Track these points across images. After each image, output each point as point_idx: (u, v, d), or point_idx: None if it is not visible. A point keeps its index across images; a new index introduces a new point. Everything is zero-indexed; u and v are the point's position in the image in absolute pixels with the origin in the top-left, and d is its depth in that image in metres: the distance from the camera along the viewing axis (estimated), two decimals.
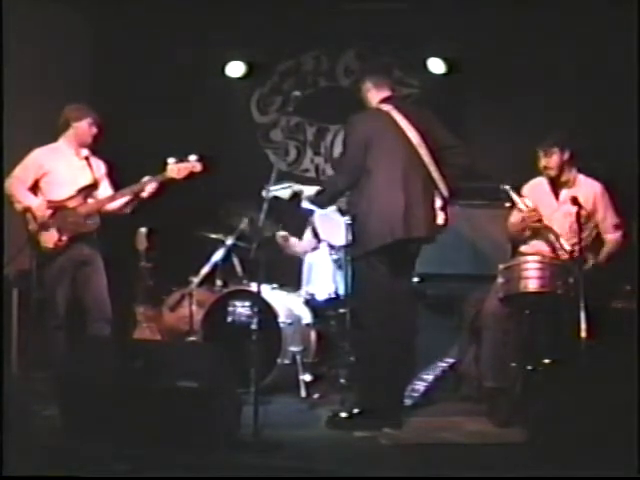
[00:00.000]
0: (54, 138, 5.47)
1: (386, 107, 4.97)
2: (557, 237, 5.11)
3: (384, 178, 4.83)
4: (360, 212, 4.92)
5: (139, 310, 6.32)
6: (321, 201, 5.20)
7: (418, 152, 4.86)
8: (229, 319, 5.87)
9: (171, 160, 5.30)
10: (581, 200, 4.98)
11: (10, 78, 5.65)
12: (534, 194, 5.32)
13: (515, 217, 5.38)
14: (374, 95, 5.08)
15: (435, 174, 4.89)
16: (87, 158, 5.41)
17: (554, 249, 5.17)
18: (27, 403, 4.77)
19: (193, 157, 5.31)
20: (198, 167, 5.33)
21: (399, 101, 5.16)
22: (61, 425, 4.40)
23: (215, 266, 6.39)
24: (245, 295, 5.89)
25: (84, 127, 5.42)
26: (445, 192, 4.92)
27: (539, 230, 5.21)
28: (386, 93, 5.08)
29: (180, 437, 4.11)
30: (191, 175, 5.32)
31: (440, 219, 4.96)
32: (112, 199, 5.42)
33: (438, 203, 4.95)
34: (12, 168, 5.37)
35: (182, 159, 5.31)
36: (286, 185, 5.17)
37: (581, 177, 5.25)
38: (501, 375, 5.08)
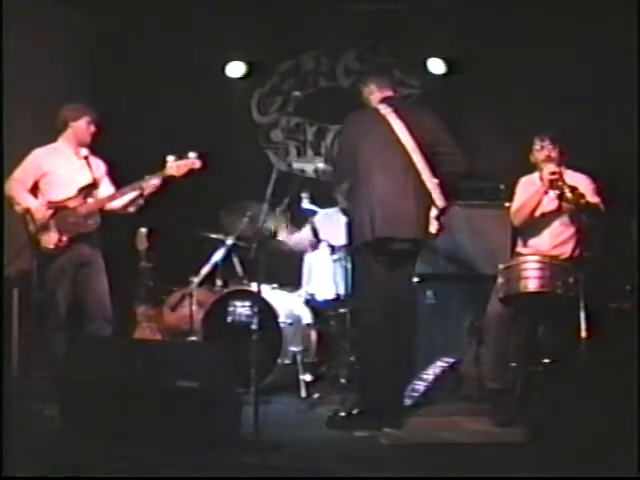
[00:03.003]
0: (54, 138, 5.47)
1: (384, 108, 4.97)
2: (573, 190, 4.95)
3: (373, 177, 4.84)
4: (350, 209, 5.01)
5: (139, 310, 6.33)
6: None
7: (411, 157, 4.85)
8: (229, 319, 5.88)
9: (170, 158, 5.30)
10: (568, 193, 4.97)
11: (10, 78, 5.65)
12: (527, 189, 5.32)
13: (518, 202, 5.34)
14: (376, 96, 5.09)
15: (429, 183, 4.86)
16: (86, 157, 5.39)
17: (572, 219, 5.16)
18: (27, 403, 4.76)
19: (192, 154, 5.31)
20: (197, 164, 5.32)
21: (400, 102, 5.15)
22: (61, 425, 4.40)
23: (215, 266, 6.38)
24: (245, 295, 5.89)
25: (82, 126, 5.42)
26: (440, 202, 4.89)
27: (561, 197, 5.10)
28: (388, 93, 5.09)
29: (180, 437, 4.11)
30: (191, 172, 5.32)
31: (433, 228, 4.93)
32: (112, 198, 5.42)
33: (433, 212, 4.92)
34: (12, 169, 5.36)
35: (181, 156, 5.31)
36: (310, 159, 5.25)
37: (569, 172, 5.23)
38: (504, 376, 5.08)
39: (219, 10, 6.96)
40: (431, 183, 4.86)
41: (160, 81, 7.21)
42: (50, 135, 5.49)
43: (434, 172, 4.87)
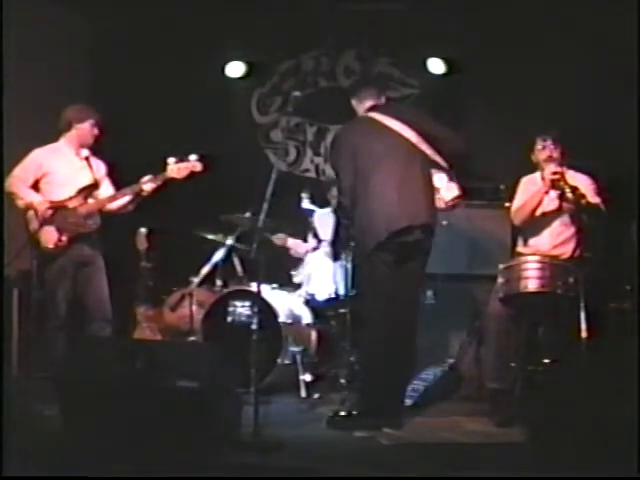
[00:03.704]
0: (54, 138, 5.47)
1: (371, 113, 5.02)
2: (574, 190, 4.98)
3: (377, 179, 4.83)
4: (357, 216, 4.93)
5: (139, 310, 6.34)
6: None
7: (408, 140, 4.86)
8: (229, 319, 5.88)
9: (171, 160, 5.31)
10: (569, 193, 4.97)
11: (10, 78, 5.65)
12: (528, 189, 5.32)
13: (519, 202, 5.34)
14: (360, 108, 5.14)
15: (428, 150, 4.89)
16: (87, 158, 5.40)
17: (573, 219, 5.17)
18: (27, 403, 4.77)
19: (193, 157, 5.32)
20: (198, 167, 5.33)
21: (383, 107, 5.15)
22: (61, 425, 4.39)
23: (215, 266, 6.39)
24: (245, 295, 5.89)
25: (86, 128, 5.42)
26: (444, 163, 4.92)
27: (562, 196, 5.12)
28: (370, 103, 5.10)
29: (180, 437, 4.10)
30: (191, 175, 5.33)
31: (455, 191, 4.95)
32: (112, 199, 5.42)
33: (442, 181, 4.92)
34: (12, 168, 5.36)
35: (182, 159, 5.32)
36: None
37: (570, 172, 5.23)
38: (504, 376, 5.08)
39: (219, 10, 6.96)
40: (430, 150, 4.89)
41: (160, 81, 7.21)
42: (50, 135, 5.48)
43: (444, 156, 4.93)
